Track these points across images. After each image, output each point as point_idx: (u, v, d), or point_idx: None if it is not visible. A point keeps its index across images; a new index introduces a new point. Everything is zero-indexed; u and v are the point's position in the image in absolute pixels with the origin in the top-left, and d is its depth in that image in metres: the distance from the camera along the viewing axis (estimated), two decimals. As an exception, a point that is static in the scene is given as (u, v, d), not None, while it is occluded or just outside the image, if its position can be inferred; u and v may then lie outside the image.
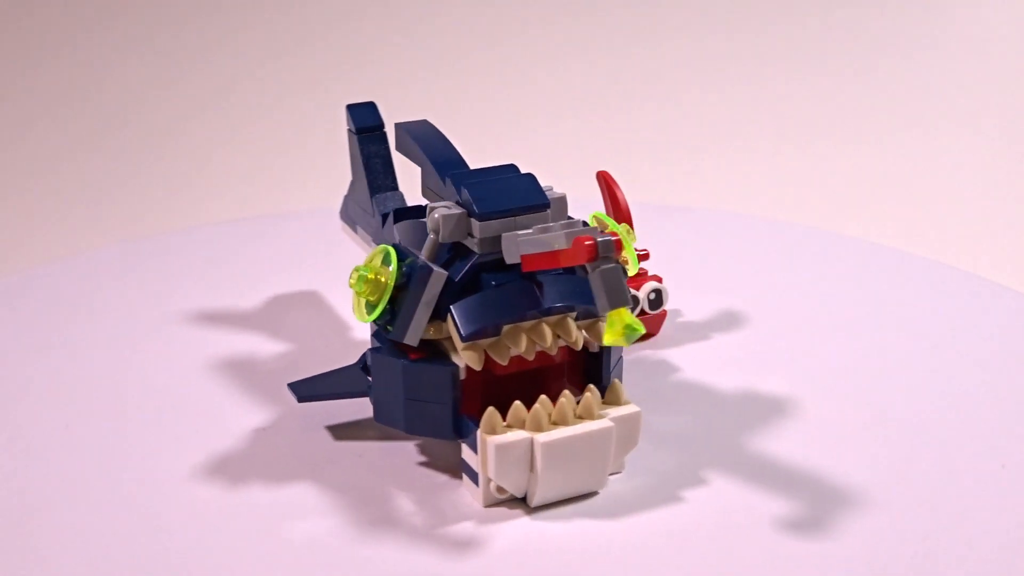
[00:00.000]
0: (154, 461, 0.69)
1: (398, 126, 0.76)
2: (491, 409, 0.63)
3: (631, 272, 0.72)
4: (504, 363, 0.64)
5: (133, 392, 0.77)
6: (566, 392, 0.65)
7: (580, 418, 0.64)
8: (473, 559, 0.61)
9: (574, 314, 0.66)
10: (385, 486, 0.67)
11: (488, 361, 0.65)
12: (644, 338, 0.84)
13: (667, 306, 0.84)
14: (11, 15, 2.23)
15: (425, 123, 0.76)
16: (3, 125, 2.02)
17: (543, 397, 0.64)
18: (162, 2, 2.30)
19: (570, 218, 0.73)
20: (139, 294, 0.93)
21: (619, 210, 0.82)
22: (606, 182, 0.83)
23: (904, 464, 0.69)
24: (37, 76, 2.15)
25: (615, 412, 0.65)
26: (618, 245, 0.61)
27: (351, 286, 0.65)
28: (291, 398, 0.72)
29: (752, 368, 0.80)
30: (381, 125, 0.82)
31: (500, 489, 0.65)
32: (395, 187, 0.81)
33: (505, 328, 0.64)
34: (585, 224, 0.69)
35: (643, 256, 0.83)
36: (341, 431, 0.72)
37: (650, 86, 2.18)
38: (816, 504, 0.65)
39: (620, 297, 0.60)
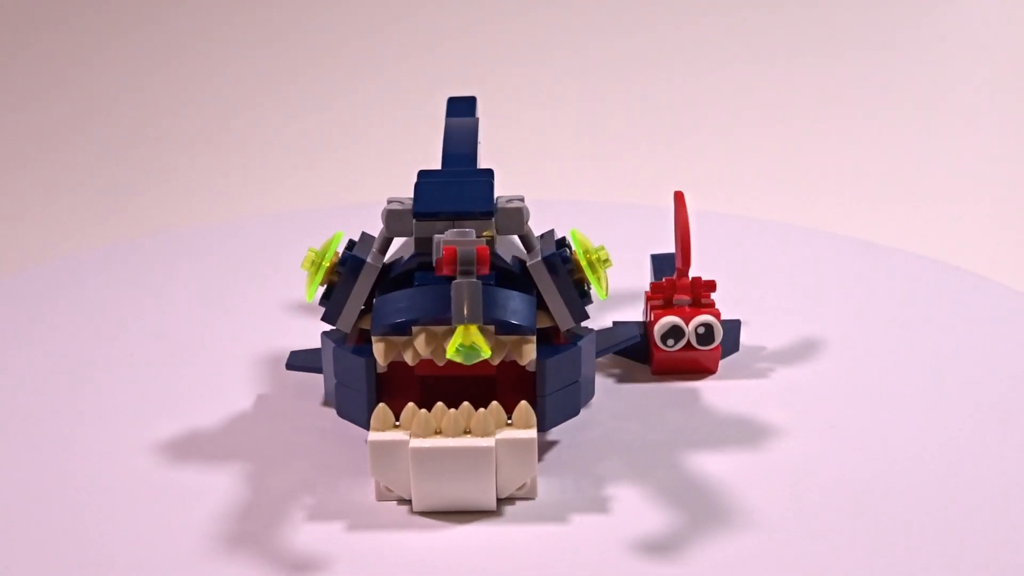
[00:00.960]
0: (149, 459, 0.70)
1: (449, 101, 0.77)
2: (381, 406, 0.64)
3: (600, 297, 0.68)
4: (411, 363, 0.64)
5: (130, 391, 0.78)
6: (493, 404, 0.63)
7: (468, 432, 0.63)
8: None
9: (492, 328, 0.64)
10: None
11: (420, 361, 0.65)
12: (702, 373, 0.79)
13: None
14: (11, 15, 2.25)
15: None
16: (3, 125, 2.03)
17: (465, 404, 0.63)
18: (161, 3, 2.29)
19: (549, 232, 0.71)
20: (139, 294, 0.93)
21: (677, 231, 0.78)
22: (676, 202, 0.79)
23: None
24: (37, 76, 2.16)
25: (506, 434, 0.63)
26: (481, 258, 0.59)
27: (301, 265, 0.68)
28: (287, 398, 0.75)
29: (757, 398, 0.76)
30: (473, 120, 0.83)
31: (388, 487, 0.65)
32: None
33: (416, 329, 0.64)
34: (563, 241, 0.67)
35: (703, 284, 0.78)
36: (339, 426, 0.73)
37: (650, 86, 2.09)
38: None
39: (470, 313, 0.58)
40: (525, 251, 0.69)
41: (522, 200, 0.67)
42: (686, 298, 0.79)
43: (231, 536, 0.62)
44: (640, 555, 0.61)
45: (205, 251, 1.03)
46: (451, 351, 0.59)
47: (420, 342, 0.63)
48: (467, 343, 0.58)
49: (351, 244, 0.69)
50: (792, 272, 0.96)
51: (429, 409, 0.63)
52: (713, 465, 0.68)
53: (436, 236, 0.63)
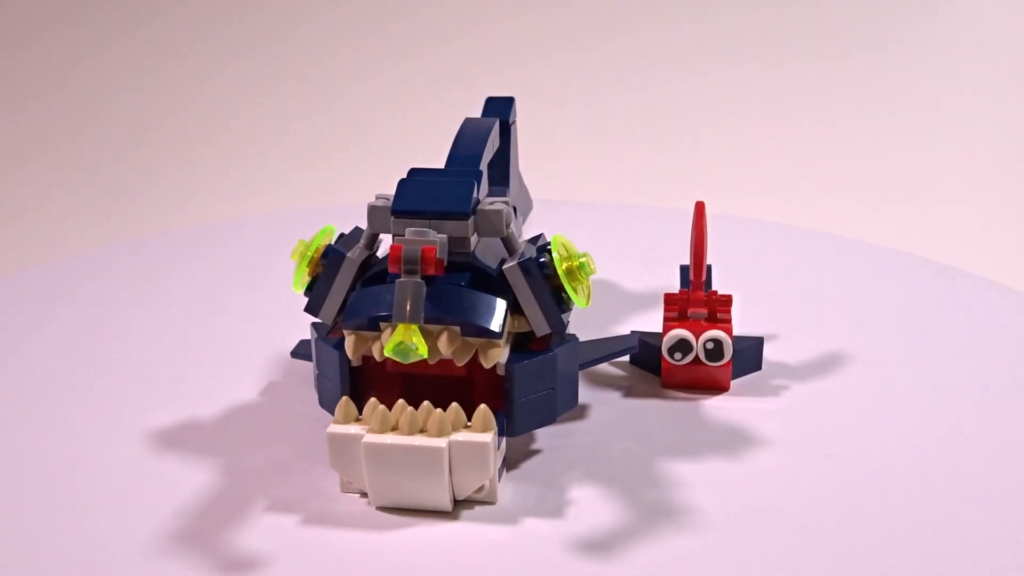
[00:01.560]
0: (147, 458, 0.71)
1: (487, 101, 0.79)
2: (345, 399, 0.64)
3: (579, 305, 0.67)
4: (378, 359, 0.65)
5: (128, 384, 0.79)
6: (453, 406, 0.64)
7: (423, 431, 0.63)
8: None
9: (458, 328, 0.64)
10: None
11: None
12: (715, 390, 0.76)
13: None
14: (11, 15, 2.22)
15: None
16: (3, 125, 2.00)
17: (426, 404, 0.64)
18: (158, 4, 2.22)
19: (538, 237, 0.71)
20: (140, 293, 0.94)
21: (692, 243, 0.76)
22: (695, 213, 0.77)
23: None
24: (37, 77, 2.13)
25: (461, 436, 0.62)
26: (426, 258, 0.59)
27: (290, 255, 0.70)
28: (285, 394, 0.76)
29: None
30: (507, 121, 0.83)
31: (349, 480, 0.65)
32: (504, 183, 0.82)
33: (385, 325, 0.64)
34: (545, 247, 0.67)
35: (718, 298, 0.76)
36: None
37: (650, 86, 2.02)
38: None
39: (409, 312, 0.58)
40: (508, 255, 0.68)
41: (506, 203, 0.66)
42: (702, 311, 0.77)
43: (185, 525, 0.63)
44: (579, 557, 0.60)
45: (205, 251, 1.04)
46: (387, 348, 0.59)
47: (386, 337, 0.63)
48: (405, 341, 0.58)
49: (341, 237, 0.70)
50: (826, 284, 0.94)
51: (414, 407, 0.63)
52: (684, 479, 0.67)
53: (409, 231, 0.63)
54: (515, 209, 0.77)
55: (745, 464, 0.68)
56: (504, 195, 0.81)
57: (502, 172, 0.82)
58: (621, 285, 0.94)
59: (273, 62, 2.26)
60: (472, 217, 0.65)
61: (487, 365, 0.64)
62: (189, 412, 0.75)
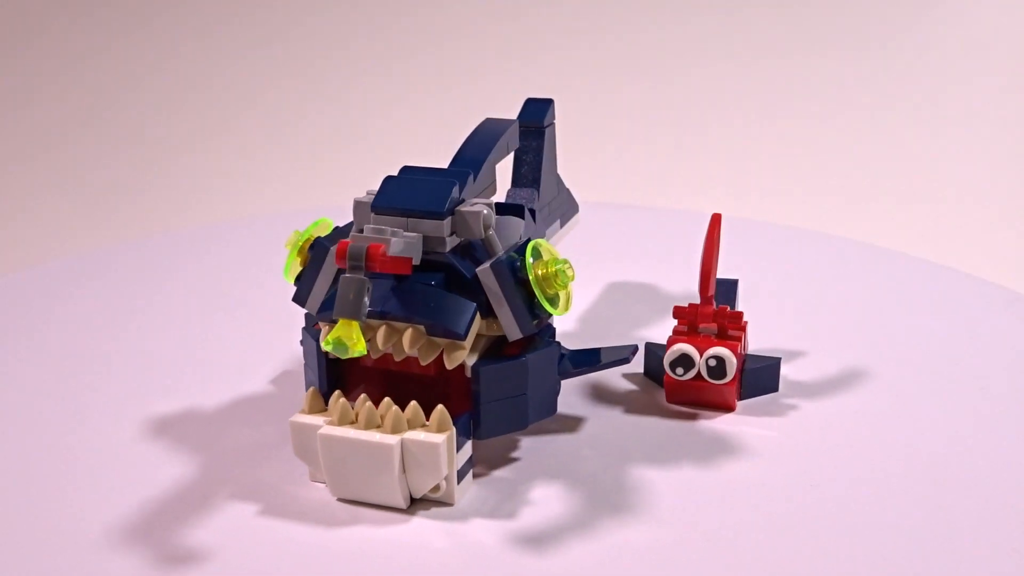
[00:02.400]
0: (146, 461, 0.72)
1: (526, 102, 0.81)
2: (312, 389, 0.66)
3: (556, 313, 0.66)
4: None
5: (128, 379, 0.80)
6: (412, 404, 0.64)
7: (378, 427, 0.63)
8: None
9: (423, 327, 0.64)
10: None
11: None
12: (721, 409, 0.74)
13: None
14: (12, 16, 2.15)
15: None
16: (3, 124, 1.95)
17: (387, 401, 0.64)
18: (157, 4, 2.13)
19: (525, 241, 0.70)
20: (140, 292, 0.95)
21: (704, 254, 0.74)
22: (710, 225, 0.75)
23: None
24: (37, 77, 2.06)
25: (414, 435, 0.63)
26: (371, 255, 0.59)
27: (285, 244, 0.71)
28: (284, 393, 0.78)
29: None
30: (541, 123, 0.82)
31: (313, 470, 0.66)
32: (535, 185, 0.81)
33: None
34: (535, 251, 0.67)
35: (728, 315, 0.74)
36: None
37: (651, 86, 1.96)
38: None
39: (348, 308, 0.59)
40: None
41: (488, 206, 0.66)
42: (713, 327, 0.75)
43: (147, 510, 0.65)
44: (515, 556, 0.59)
45: (205, 251, 1.05)
46: (325, 343, 0.59)
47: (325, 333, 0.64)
48: (342, 337, 0.59)
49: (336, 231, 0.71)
50: (858, 295, 0.90)
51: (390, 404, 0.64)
52: (653, 497, 0.65)
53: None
54: (530, 212, 0.76)
55: (719, 489, 0.66)
56: (532, 198, 0.80)
57: (534, 174, 0.82)
58: (660, 288, 0.92)
59: (274, 61, 2.25)
60: (450, 218, 0.65)
61: (449, 366, 0.64)
62: (184, 405, 0.76)
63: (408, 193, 0.66)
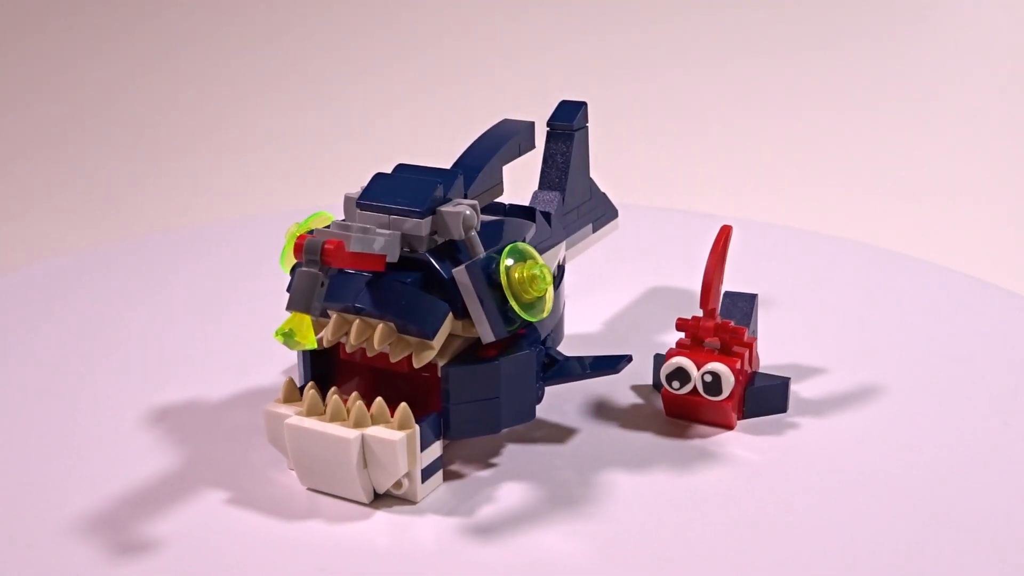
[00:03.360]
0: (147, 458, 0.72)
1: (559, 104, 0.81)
2: (289, 379, 0.67)
3: (530, 318, 0.65)
4: (324, 345, 0.66)
5: (127, 375, 0.81)
6: (377, 401, 0.65)
7: (343, 421, 0.64)
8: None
9: (394, 325, 0.65)
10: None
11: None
12: (720, 426, 0.72)
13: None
14: (11, 15, 2.08)
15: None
16: (3, 125, 1.89)
17: (354, 394, 0.65)
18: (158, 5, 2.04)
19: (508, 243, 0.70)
20: (140, 291, 0.95)
21: (707, 266, 0.73)
22: (716, 237, 0.73)
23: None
24: (37, 77, 2.00)
25: (375, 431, 0.63)
26: (326, 251, 0.60)
27: (284, 235, 0.73)
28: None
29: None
30: (570, 127, 0.82)
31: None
32: (560, 188, 0.81)
33: (332, 313, 0.66)
34: (515, 254, 0.66)
35: (730, 329, 0.72)
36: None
37: (653, 87, 1.92)
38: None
39: (300, 301, 0.59)
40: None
41: (472, 207, 0.66)
42: (716, 342, 0.73)
43: (117, 497, 0.66)
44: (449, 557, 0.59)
45: (205, 251, 1.05)
46: (275, 333, 0.60)
47: (331, 325, 0.65)
48: (293, 328, 0.60)
49: None
50: (879, 304, 0.88)
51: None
52: (618, 511, 0.64)
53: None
54: (544, 216, 0.76)
55: (681, 499, 0.65)
56: (555, 201, 0.80)
57: (560, 177, 0.81)
58: (694, 294, 0.91)
59: (275, 61, 2.23)
60: (430, 217, 0.65)
61: (416, 365, 0.64)
62: (182, 401, 0.77)
63: (392, 191, 0.66)
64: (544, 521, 0.63)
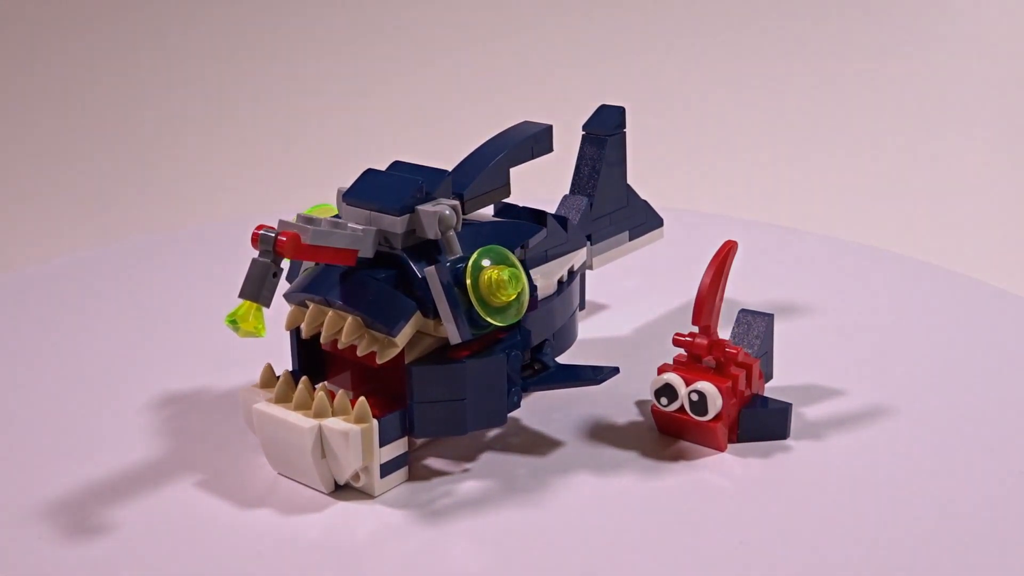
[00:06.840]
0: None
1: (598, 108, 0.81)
2: (267, 365, 0.69)
3: (498, 322, 0.65)
4: (304, 335, 0.68)
5: (127, 373, 0.81)
6: (340, 393, 0.66)
7: (301, 410, 0.65)
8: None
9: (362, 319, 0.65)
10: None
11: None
12: (709, 446, 0.70)
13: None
14: (12, 15, 2.00)
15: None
16: (4, 125, 1.82)
17: (323, 383, 0.67)
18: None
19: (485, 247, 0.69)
20: (139, 292, 0.95)
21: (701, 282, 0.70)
22: (721, 250, 0.71)
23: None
24: (37, 77, 1.94)
25: (332, 423, 0.64)
26: (279, 243, 0.61)
27: None
28: None
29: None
30: (602, 132, 0.81)
31: (264, 443, 0.69)
32: (589, 193, 0.80)
33: (310, 303, 0.67)
34: (492, 256, 0.67)
35: (723, 348, 0.70)
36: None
37: (653, 88, 1.88)
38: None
39: (250, 290, 0.61)
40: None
41: (452, 208, 0.66)
42: (712, 361, 0.71)
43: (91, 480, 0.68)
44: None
45: (205, 251, 1.04)
46: (225, 319, 0.62)
47: (308, 315, 0.67)
48: (240, 316, 0.61)
49: None
50: (898, 313, 0.85)
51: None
52: (558, 507, 0.64)
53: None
54: (558, 220, 0.75)
55: (643, 533, 0.63)
56: (580, 205, 0.79)
57: (590, 183, 0.81)
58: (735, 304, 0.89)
59: (276, 61, 2.20)
60: (408, 215, 0.66)
61: (379, 361, 0.65)
62: (181, 397, 0.78)
63: (376, 187, 0.67)
64: (482, 531, 0.63)
